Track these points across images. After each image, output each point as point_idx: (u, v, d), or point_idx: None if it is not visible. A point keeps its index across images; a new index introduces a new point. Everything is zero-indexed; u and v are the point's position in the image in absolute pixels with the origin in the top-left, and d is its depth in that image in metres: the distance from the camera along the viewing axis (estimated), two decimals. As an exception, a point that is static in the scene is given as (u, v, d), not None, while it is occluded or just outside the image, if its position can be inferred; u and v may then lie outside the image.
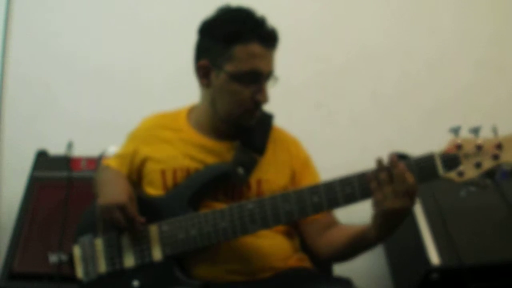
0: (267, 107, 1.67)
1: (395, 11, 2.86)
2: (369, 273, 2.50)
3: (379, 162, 1.33)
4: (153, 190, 1.59)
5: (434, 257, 1.96)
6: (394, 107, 2.80)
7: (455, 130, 1.32)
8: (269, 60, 1.51)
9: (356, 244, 1.48)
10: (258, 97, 1.50)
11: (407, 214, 1.33)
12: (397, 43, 2.83)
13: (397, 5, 2.86)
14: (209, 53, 1.52)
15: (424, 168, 1.32)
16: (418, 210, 2.11)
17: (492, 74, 2.81)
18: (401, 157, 2.30)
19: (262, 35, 1.48)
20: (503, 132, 1.31)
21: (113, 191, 1.51)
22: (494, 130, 1.30)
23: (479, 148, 1.29)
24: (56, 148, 2.48)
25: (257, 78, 1.49)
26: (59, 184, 2.32)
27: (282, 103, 1.79)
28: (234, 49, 1.48)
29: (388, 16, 2.85)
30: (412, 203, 1.32)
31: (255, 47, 1.47)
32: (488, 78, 2.80)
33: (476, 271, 1.93)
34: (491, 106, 2.75)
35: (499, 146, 1.28)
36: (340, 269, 1.70)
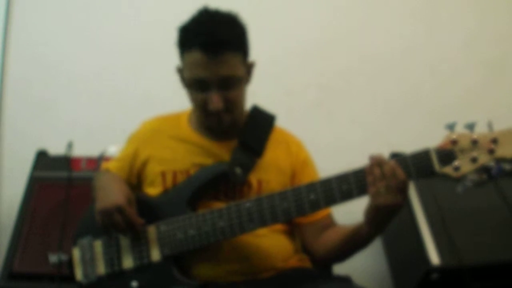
0: (267, 107, 1.67)
1: (397, 13, 2.86)
2: (369, 273, 2.49)
3: (371, 158, 1.36)
4: (154, 190, 1.59)
5: (434, 257, 1.96)
6: (395, 108, 2.80)
7: (451, 126, 1.34)
8: (215, 67, 1.44)
9: (350, 242, 1.49)
10: (208, 106, 1.48)
11: (398, 210, 1.35)
12: (399, 45, 2.83)
13: (398, 7, 2.86)
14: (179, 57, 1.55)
15: (420, 164, 1.34)
16: (418, 210, 2.11)
17: (495, 76, 2.81)
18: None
19: (202, 42, 1.42)
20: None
21: (110, 194, 1.50)
22: (490, 125, 1.30)
23: (474, 143, 1.30)
24: (56, 148, 2.47)
25: (202, 86, 1.47)
26: (59, 184, 2.32)
27: (283, 103, 1.79)
28: (183, 57, 1.50)
29: (390, 17, 2.86)
30: (403, 199, 1.34)
31: (196, 55, 1.44)
32: (491, 79, 2.80)
33: (476, 271, 1.93)
34: (493, 107, 2.74)
35: (494, 141, 1.28)
36: (340, 269, 1.70)
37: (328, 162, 1.79)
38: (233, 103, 1.51)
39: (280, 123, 1.69)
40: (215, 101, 1.46)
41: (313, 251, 1.60)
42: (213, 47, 1.43)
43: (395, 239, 2.31)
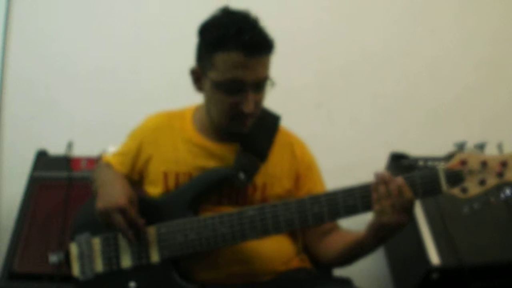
0: (267, 106, 1.67)
1: (396, 12, 2.86)
2: (369, 273, 2.49)
3: (376, 176, 1.34)
4: (155, 190, 1.57)
5: (434, 257, 1.96)
6: (395, 108, 2.80)
7: (460, 146, 1.30)
8: (254, 68, 1.41)
9: (352, 251, 1.48)
10: (242, 107, 1.43)
11: (403, 228, 1.33)
12: (398, 44, 2.83)
13: (398, 7, 2.86)
14: (200, 58, 1.50)
15: (427, 184, 1.32)
16: (418, 210, 2.11)
17: (493, 76, 2.81)
18: (401, 157, 2.31)
19: (244, 43, 1.38)
20: (507, 140, 1.30)
21: (112, 194, 1.48)
22: (500, 147, 1.28)
23: (483, 164, 1.27)
24: (56, 148, 2.47)
25: (239, 88, 1.42)
26: (59, 184, 2.32)
27: (282, 103, 1.78)
28: (215, 57, 1.42)
29: (389, 17, 2.86)
30: (408, 218, 1.32)
31: (236, 56, 1.39)
32: (489, 79, 2.80)
33: (476, 271, 1.93)
34: (491, 107, 2.75)
35: (504, 164, 1.25)
36: (340, 270, 1.70)
37: (328, 162, 1.79)
38: (258, 106, 1.49)
39: (280, 123, 1.69)
40: (251, 102, 1.43)
41: (315, 254, 1.60)
42: (255, 48, 1.40)
43: (395, 239, 2.29)
